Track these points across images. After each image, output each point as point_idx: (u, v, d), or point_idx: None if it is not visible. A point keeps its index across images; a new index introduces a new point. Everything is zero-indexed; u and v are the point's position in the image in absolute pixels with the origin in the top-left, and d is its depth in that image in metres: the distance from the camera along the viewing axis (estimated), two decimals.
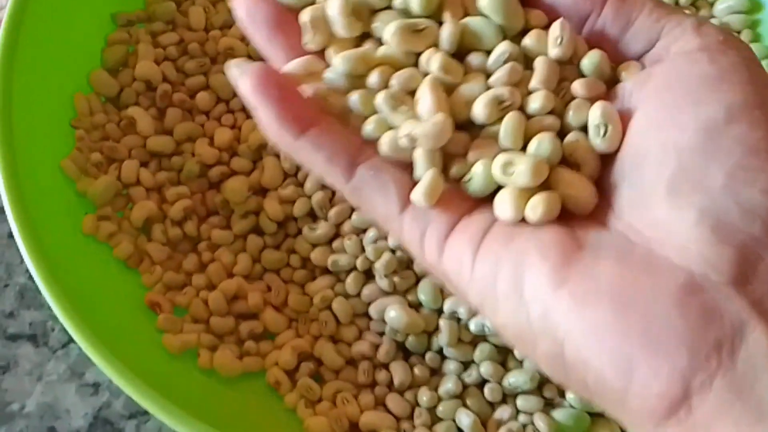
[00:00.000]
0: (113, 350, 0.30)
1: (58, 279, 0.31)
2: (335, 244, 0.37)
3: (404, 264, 0.35)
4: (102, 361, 0.30)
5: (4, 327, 0.38)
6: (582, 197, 0.22)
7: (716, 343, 0.19)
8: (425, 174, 0.22)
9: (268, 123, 0.23)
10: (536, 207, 0.21)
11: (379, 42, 0.24)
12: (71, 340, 0.37)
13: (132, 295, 0.35)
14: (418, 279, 0.35)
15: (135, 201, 0.37)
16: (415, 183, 0.23)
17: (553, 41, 0.23)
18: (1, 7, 0.44)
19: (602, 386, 0.20)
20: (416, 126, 0.22)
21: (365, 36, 0.24)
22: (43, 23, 0.36)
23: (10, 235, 0.39)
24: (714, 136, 0.21)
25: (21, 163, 0.33)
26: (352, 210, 0.37)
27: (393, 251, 0.35)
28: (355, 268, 0.36)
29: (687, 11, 0.42)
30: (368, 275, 0.36)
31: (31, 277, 0.38)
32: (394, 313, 0.34)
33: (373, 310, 0.35)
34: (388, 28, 0.23)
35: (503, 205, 0.22)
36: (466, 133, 0.23)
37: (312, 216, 0.37)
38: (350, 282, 0.36)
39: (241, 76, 0.23)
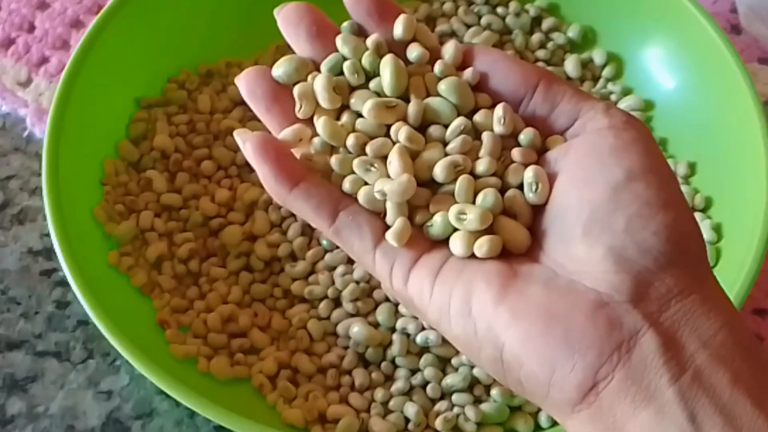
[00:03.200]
0: (135, 350, 0.39)
1: (94, 297, 0.40)
2: (311, 278, 0.46)
3: (366, 292, 0.44)
4: (127, 352, 0.38)
5: (34, 345, 0.46)
6: (518, 239, 0.27)
7: (617, 344, 0.24)
8: (396, 221, 0.27)
9: (265, 179, 0.28)
10: (482, 246, 0.26)
11: (357, 114, 0.29)
12: (90, 356, 0.46)
13: (146, 314, 0.44)
14: (377, 304, 0.44)
15: (149, 243, 0.46)
16: (384, 226, 0.28)
17: (497, 120, 0.28)
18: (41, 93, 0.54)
19: (533, 382, 0.25)
20: (387, 183, 0.27)
21: (346, 107, 0.29)
22: (83, 104, 0.46)
23: (42, 273, 0.48)
24: (618, 192, 0.26)
25: (65, 211, 0.42)
26: (326, 252, 0.46)
27: (357, 282, 0.44)
28: (326, 296, 0.45)
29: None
30: (337, 302, 0.45)
31: (57, 306, 0.47)
32: (356, 329, 0.43)
33: (340, 329, 0.44)
34: (366, 104, 0.28)
35: (457, 244, 0.27)
36: (427, 189, 0.28)
37: (293, 257, 0.46)
38: (322, 307, 0.44)
39: (244, 143, 0.28)
